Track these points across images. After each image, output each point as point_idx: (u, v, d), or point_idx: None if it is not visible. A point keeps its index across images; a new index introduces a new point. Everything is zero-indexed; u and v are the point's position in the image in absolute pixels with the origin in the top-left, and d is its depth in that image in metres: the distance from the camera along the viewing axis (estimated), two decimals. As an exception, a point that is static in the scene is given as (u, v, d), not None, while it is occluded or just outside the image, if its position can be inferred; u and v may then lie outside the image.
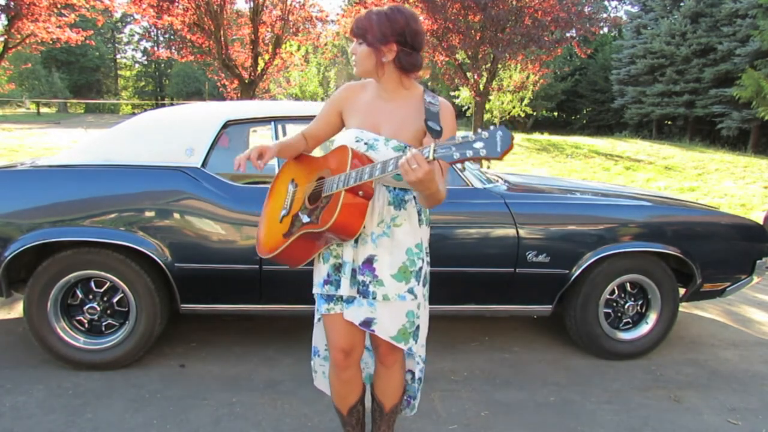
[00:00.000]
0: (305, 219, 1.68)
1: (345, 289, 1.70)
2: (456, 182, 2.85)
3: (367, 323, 1.70)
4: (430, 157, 1.38)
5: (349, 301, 1.72)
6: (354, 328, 1.75)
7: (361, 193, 1.59)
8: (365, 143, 1.68)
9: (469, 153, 1.33)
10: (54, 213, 2.65)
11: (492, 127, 1.33)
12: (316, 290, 1.79)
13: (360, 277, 1.69)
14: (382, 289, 1.68)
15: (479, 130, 1.35)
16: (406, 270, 1.70)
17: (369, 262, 1.69)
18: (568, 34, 12.70)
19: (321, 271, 1.77)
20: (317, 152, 1.95)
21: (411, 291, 1.71)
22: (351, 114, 1.78)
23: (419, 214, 1.75)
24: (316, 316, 1.89)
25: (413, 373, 1.95)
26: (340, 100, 1.83)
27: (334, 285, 1.74)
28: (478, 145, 1.32)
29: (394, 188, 1.70)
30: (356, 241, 1.69)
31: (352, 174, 1.58)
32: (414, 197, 1.74)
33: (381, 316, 1.70)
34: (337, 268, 1.73)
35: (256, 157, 1.76)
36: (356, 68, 1.73)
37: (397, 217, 1.70)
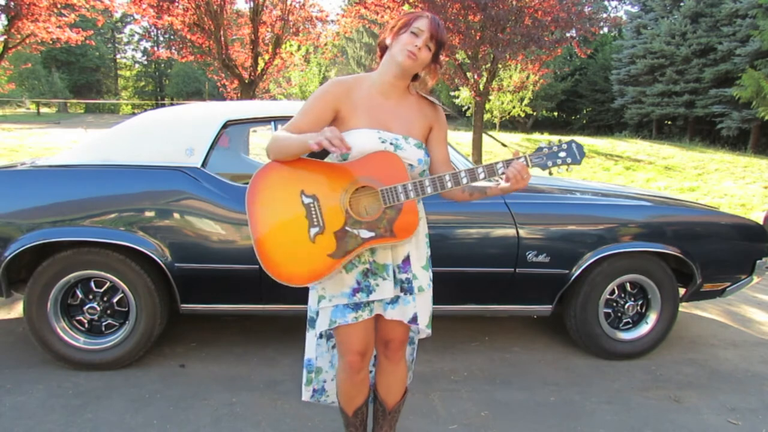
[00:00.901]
0: (367, 234, 1.60)
1: (390, 291, 1.69)
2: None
3: (414, 318, 1.74)
4: (529, 166, 1.68)
5: (392, 301, 1.73)
6: (369, 329, 1.77)
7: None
8: (390, 143, 1.67)
9: (559, 161, 1.70)
10: (54, 213, 2.65)
11: (561, 140, 1.72)
12: (341, 301, 1.68)
13: (402, 276, 1.73)
14: (417, 282, 1.74)
15: (552, 143, 1.71)
16: (427, 259, 1.79)
17: (407, 259, 1.73)
18: (568, 34, 12.67)
19: (346, 281, 1.69)
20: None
21: (431, 278, 1.80)
22: (352, 112, 1.69)
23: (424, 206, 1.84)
24: (323, 328, 1.76)
25: (410, 356, 1.99)
26: (335, 96, 1.71)
27: (365, 291, 1.69)
28: (562, 154, 1.70)
29: None
30: None
31: (426, 182, 1.62)
32: None
33: (419, 308, 1.75)
34: (366, 273, 1.69)
35: (340, 138, 1.53)
36: (411, 63, 1.65)
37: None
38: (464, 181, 1.65)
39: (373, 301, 1.72)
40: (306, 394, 1.97)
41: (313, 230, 1.61)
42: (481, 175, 1.64)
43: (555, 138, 1.80)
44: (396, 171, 1.62)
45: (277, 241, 1.63)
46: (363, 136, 1.65)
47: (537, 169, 1.73)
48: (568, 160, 1.69)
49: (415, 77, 1.75)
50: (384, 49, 1.73)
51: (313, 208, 1.62)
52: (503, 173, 1.66)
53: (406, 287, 1.73)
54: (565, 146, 1.70)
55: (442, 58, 1.73)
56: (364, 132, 1.66)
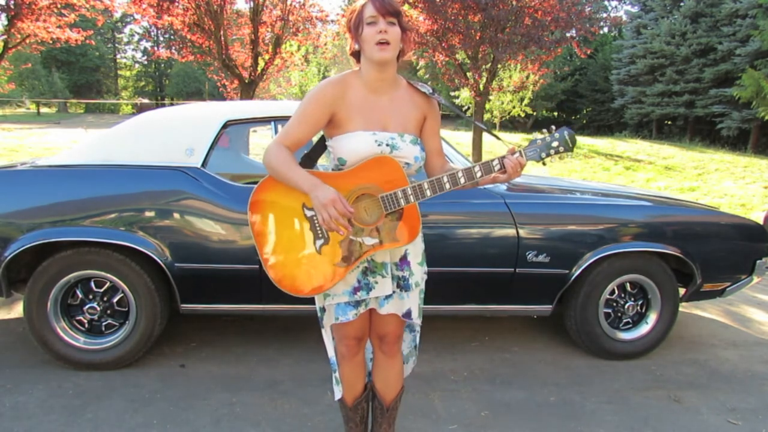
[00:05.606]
0: (371, 241, 1.64)
1: (388, 288, 1.73)
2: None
3: (408, 313, 1.78)
4: (524, 160, 1.69)
5: (387, 296, 1.76)
6: (364, 318, 1.81)
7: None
8: (387, 144, 1.67)
9: (552, 151, 1.71)
10: (54, 213, 2.64)
11: (554, 128, 1.73)
12: (342, 299, 1.73)
13: (399, 273, 1.76)
14: (413, 278, 1.77)
15: (545, 132, 1.72)
16: (422, 255, 1.82)
17: (405, 258, 1.76)
18: (568, 34, 12.66)
19: (348, 281, 1.72)
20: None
21: (425, 272, 1.83)
22: (348, 114, 1.67)
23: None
24: (329, 324, 1.85)
25: (413, 343, 2.00)
26: (331, 99, 1.66)
27: (365, 289, 1.74)
28: (555, 144, 1.70)
29: None
30: None
31: (426, 186, 1.64)
32: None
33: (413, 303, 1.79)
34: (365, 272, 1.73)
35: (342, 222, 1.57)
36: (388, 52, 1.60)
37: None
38: (462, 181, 1.67)
39: (371, 298, 1.77)
40: (338, 394, 1.98)
41: (319, 242, 1.66)
42: (478, 174, 1.68)
43: (546, 129, 1.77)
44: (394, 175, 1.63)
45: (286, 255, 1.68)
46: (359, 140, 1.64)
47: (533, 162, 1.75)
48: (561, 149, 1.70)
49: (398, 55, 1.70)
50: (357, 54, 1.70)
51: (316, 221, 1.65)
52: (500, 169, 1.69)
53: (402, 284, 1.76)
54: (557, 135, 1.71)
55: (406, 22, 1.66)
56: (360, 135, 1.65)
